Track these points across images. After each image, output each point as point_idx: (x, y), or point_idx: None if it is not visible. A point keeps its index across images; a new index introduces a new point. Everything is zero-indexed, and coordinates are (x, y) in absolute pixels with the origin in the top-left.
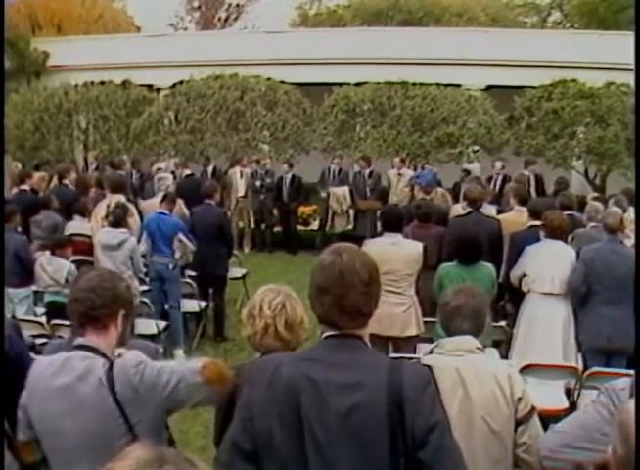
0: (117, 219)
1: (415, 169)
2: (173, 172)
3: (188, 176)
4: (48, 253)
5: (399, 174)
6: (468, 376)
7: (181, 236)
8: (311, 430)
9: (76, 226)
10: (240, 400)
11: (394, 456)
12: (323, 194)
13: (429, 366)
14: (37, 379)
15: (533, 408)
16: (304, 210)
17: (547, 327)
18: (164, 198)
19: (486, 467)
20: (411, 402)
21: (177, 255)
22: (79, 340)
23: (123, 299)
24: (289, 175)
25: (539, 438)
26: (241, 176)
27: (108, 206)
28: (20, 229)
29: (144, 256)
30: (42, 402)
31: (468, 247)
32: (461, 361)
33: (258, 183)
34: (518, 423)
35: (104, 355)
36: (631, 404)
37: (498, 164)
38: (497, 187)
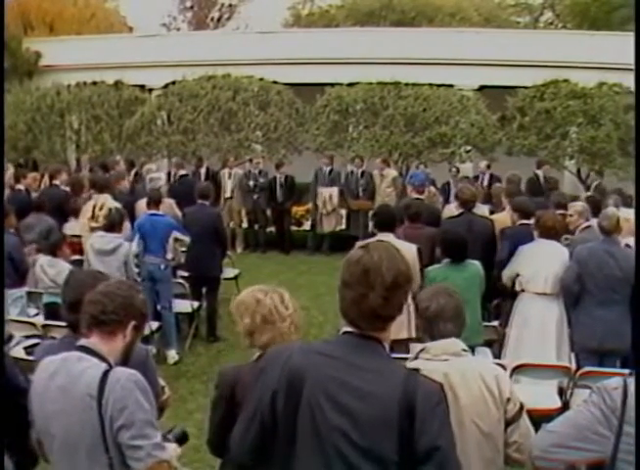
0: (113, 224)
1: (407, 170)
2: (169, 173)
3: (182, 176)
4: (43, 255)
5: (382, 175)
6: (456, 380)
7: (176, 233)
8: (314, 425)
9: (71, 227)
10: (253, 389)
11: (402, 466)
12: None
13: (441, 384)
14: (38, 378)
15: (522, 407)
16: (297, 210)
17: (540, 327)
18: (149, 200)
19: (480, 469)
20: (421, 419)
21: (169, 255)
22: (82, 341)
23: (136, 310)
24: (282, 175)
25: (530, 436)
26: (229, 177)
27: (94, 206)
28: (12, 230)
29: (136, 256)
30: (40, 402)
31: (454, 245)
32: (448, 366)
33: (252, 183)
34: (507, 423)
35: (104, 360)
36: None
37: (482, 164)
38: (484, 186)
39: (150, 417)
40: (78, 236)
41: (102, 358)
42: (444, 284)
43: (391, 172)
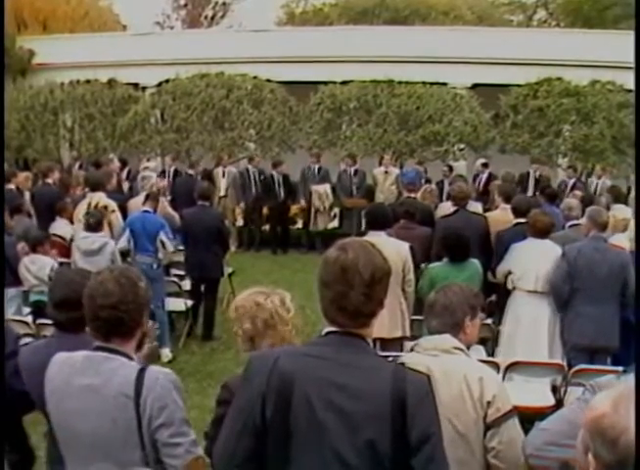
0: (95, 223)
1: (401, 168)
2: (163, 171)
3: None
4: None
5: (386, 172)
6: (438, 376)
7: (162, 236)
8: (308, 428)
9: (57, 227)
10: (237, 398)
11: (396, 459)
12: (305, 192)
13: (427, 375)
14: (57, 376)
15: (508, 413)
16: (292, 208)
17: (532, 325)
18: (147, 197)
19: (452, 469)
20: (412, 413)
21: (160, 254)
22: (99, 343)
23: (146, 303)
24: (280, 174)
25: (515, 445)
26: (223, 175)
27: (89, 205)
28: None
29: (128, 254)
30: (60, 400)
31: (457, 244)
32: (434, 361)
33: (251, 181)
34: (487, 427)
35: (129, 358)
36: (603, 407)
37: (478, 163)
38: (482, 185)
39: (185, 415)
40: (62, 237)
41: (126, 356)
42: (454, 282)
43: (395, 170)
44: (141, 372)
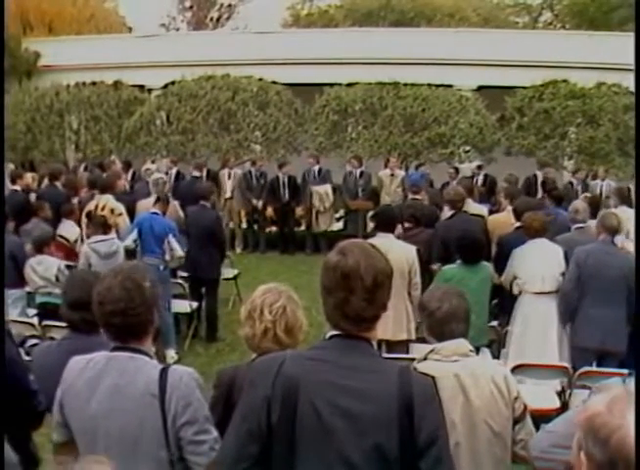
0: (104, 226)
1: (407, 170)
2: (166, 173)
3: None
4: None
5: (392, 175)
6: (467, 381)
7: (170, 238)
8: (314, 432)
9: (64, 228)
10: (241, 402)
11: (403, 461)
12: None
13: (432, 376)
14: (77, 378)
15: (526, 406)
16: (296, 210)
17: (541, 327)
18: (158, 199)
19: (490, 468)
20: (419, 415)
21: (167, 256)
22: (118, 343)
23: (154, 301)
24: (285, 175)
25: (533, 433)
26: (229, 177)
27: (96, 207)
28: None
29: (134, 254)
30: (81, 402)
31: (472, 247)
32: (459, 367)
33: (254, 183)
34: (515, 421)
35: (149, 356)
36: (598, 407)
37: (473, 165)
38: (479, 186)
39: (208, 413)
40: (67, 239)
41: (146, 354)
42: (450, 285)
43: (401, 173)
44: (164, 371)
